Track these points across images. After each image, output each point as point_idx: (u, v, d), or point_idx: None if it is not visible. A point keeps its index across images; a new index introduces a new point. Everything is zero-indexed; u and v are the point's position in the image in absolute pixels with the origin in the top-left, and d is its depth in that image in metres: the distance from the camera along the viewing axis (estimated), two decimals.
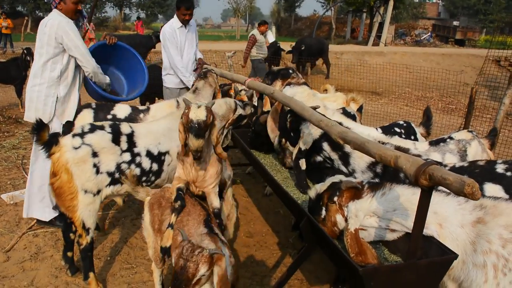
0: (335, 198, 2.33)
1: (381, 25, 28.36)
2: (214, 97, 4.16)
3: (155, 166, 3.05)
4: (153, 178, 3.09)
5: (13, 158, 5.94)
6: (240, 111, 3.45)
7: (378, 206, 2.17)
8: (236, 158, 5.84)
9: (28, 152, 6.11)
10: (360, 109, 5.05)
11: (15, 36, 20.68)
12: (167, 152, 3.10)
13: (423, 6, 59.88)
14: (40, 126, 2.73)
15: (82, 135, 2.84)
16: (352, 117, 4.07)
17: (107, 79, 4.04)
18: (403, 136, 3.57)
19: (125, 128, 3.01)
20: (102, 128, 2.93)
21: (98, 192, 2.86)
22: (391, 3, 27.11)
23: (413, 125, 3.77)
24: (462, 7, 60.69)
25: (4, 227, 4.00)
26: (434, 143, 3.08)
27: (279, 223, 4.25)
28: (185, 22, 5.09)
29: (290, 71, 3.75)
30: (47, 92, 3.74)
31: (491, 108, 10.84)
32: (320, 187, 2.46)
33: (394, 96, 13.51)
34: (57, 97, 3.76)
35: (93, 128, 2.89)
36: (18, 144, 6.52)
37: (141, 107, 3.96)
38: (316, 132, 3.10)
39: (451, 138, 3.06)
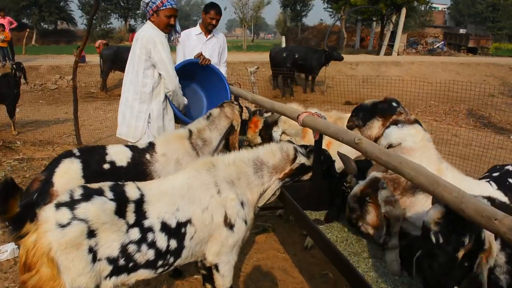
0: None
1: (392, 34, 27.57)
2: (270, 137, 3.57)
3: (173, 244, 2.14)
4: (171, 260, 2.17)
5: None
6: (302, 160, 2.52)
7: None
8: None
9: None
10: None
11: (17, 49, 19.99)
12: (188, 222, 2.19)
13: (430, 14, 59.24)
14: (5, 189, 1.79)
15: (71, 205, 1.93)
16: None
17: (185, 101, 3.88)
18: None
19: (132, 191, 2.11)
20: (100, 193, 2.02)
21: None
22: (403, 11, 26.33)
23: None
24: (468, 15, 60.08)
25: None
26: None
27: None
28: (209, 28, 4.88)
29: (394, 103, 2.73)
30: (140, 108, 3.64)
31: None
32: None
33: (419, 110, 12.56)
34: (150, 114, 3.65)
35: (88, 194, 1.99)
36: (2, 178, 5.60)
37: (142, 145, 3.04)
38: None
39: None
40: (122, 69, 12.60)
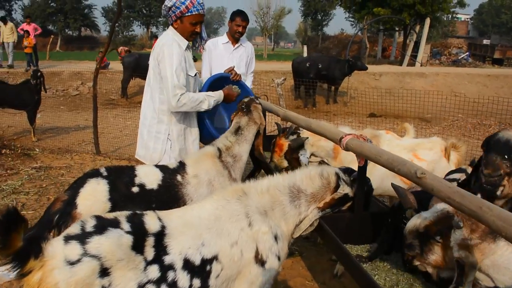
0: None
1: (415, 44, 27.05)
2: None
3: (196, 283, 1.87)
4: None
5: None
6: (345, 189, 2.19)
7: None
8: None
9: (31, 199, 5.05)
10: None
11: (42, 55, 20.20)
12: (214, 258, 1.91)
13: (453, 25, 58.36)
14: (6, 220, 1.54)
15: (83, 238, 1.68)
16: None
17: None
18: None
19: (151, 222, 1.84)
20: (116, 224, 1.77)
21: None
22: (427, 21, 25.80)
23: None
24: (492, 25, 58.95)
25: None
26: None
27: None
28: (236, 36, 4.65)
29: None
30: (158, 128, 3.27)
31: None
32: None
33: (447, 124, 12.10)
34: (169, 134, 3.27)
35: (101, 226, 1.74)
36: (20, 186, 5.45)
37: (173, 164, 2.80)
38: None
39: None
40: (143, 76, 12.54)
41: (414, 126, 12.23)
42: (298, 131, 3.71)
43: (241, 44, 4.76)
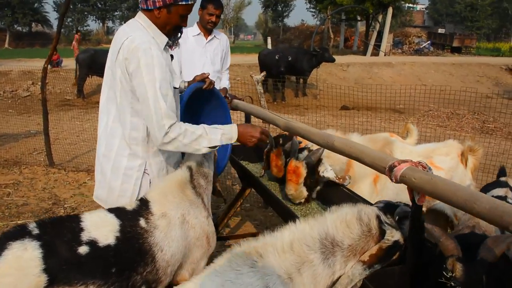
0: None
1: (378, 34, 27.06)
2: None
3: None
4: None
5: None
6: (395, 235, 1.56)
7: None
8: None
9: None
10: None
11: None
12: None
13: (410, 14, 59.55)
14: None
15: None
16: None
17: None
18: None
19: None
20: None
21: None
22: (390, 11, 25.84)
23: None
24: (446, 14, 60.52)
25: None
26: None
27: None
28: (208, 27, 3.95)
29: None
30: (130, 163, 2.27)
31: None
32: None
33: (420, 114, 11.85)
34: (145, 171, 2.30)
35: None
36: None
37: (132, 205, 2.08)
38: None
39: None
40: (100, 74, 11.62)
41: (388, 119, 11.93)
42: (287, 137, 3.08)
43: (214, 36, 4.08)
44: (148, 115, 2.09)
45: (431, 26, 55.87)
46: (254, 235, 3.80)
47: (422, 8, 66.96)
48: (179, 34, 2.36)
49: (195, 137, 2.12)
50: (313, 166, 2.40)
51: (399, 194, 2.99)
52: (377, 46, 26.33)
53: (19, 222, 4.38)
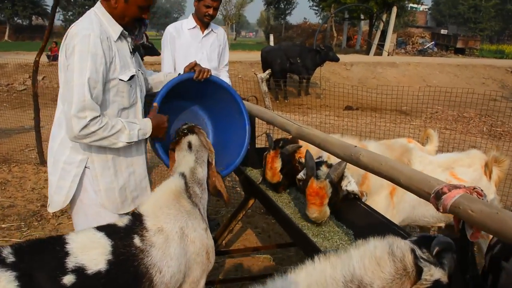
0: None
1: (382, 33, 26.77)
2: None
3: None
4: None
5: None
6: (433, 273, 1.19)
7: None
8: None
9: None
10: None
11: None
12: None
13: (413, 15, 59.28)
14: None
15: None
16: None
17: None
18: None
19: None
20: None
21: None
22: (394, 10, 25.52)
23: None
24: (449, 15, 60.23)
25: None
26: None
27: None
28: (205, 20, 3.62)
29: None
30: (70, 157, 2.09)
31: None
32: None
33: (426, 116, 11.54)
34: (86, 166, 2.10)
35: None
36: None
37: (124, 221, 1.77)
38: None
39: None
40: None
41: (393, 120, 11.63)
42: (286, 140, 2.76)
43: (212, 30, 3.75)
44: (69, 102, 1.93)
45: (433, 26, 55.72)
46: (256, 249, 3.51)
47: (425, 9, 66.72)
48: (143, 27, 2.20)
49: (114, 131, 2.02)
50: (335, 183, 2.08)
51: (416, 207, 2.73)
52: (381, 46, 26.04)
53: (3, 226, 4.10)
